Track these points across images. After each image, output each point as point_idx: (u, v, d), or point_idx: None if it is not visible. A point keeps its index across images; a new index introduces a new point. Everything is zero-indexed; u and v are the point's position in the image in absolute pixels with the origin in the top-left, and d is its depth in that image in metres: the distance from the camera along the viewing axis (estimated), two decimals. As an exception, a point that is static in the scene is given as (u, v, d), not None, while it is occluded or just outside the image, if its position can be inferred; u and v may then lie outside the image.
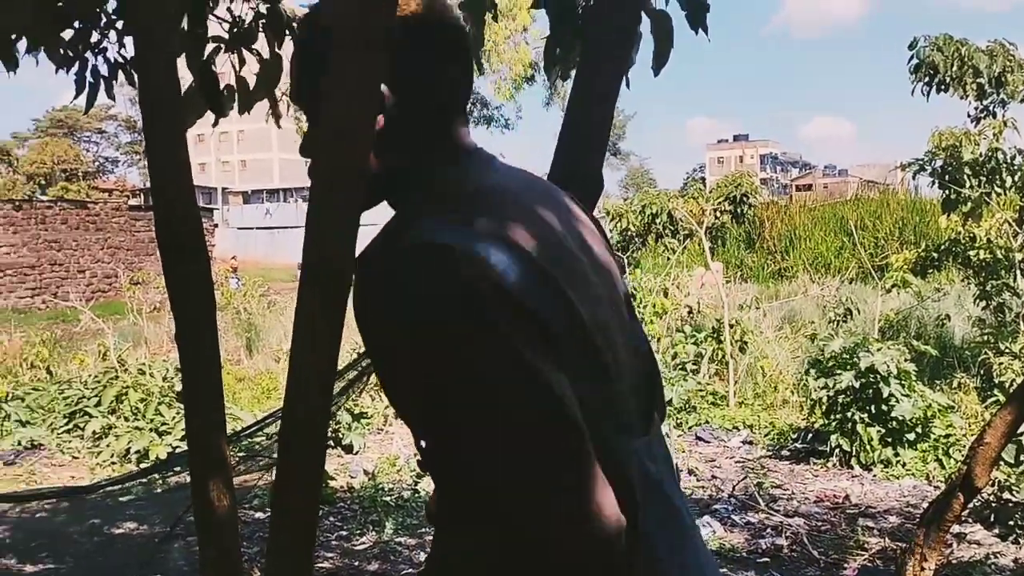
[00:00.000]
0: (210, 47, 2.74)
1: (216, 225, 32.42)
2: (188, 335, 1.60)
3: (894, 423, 6.41)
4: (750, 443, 7.42)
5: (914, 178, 10.67)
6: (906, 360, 6.67)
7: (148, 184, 54.06)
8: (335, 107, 0.75)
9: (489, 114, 32.04)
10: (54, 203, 25.17)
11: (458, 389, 1.05)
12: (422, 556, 4.85)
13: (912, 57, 9.81)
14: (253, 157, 69.16)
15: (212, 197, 47.65)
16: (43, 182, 47.98)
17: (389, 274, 1.03)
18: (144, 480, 5.76)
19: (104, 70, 2.99)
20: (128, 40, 2.98)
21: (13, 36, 2.84)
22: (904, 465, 6.35)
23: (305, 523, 0.88)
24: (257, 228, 40.71)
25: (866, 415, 6.44)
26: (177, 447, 6.97)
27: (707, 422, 7.95)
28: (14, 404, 8.17)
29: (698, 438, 7.57)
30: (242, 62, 2.94)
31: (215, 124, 2.85)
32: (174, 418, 7.35)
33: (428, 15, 1.18)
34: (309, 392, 0.84)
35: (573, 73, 2.23)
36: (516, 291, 1.06)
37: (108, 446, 7.18)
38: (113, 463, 7.01)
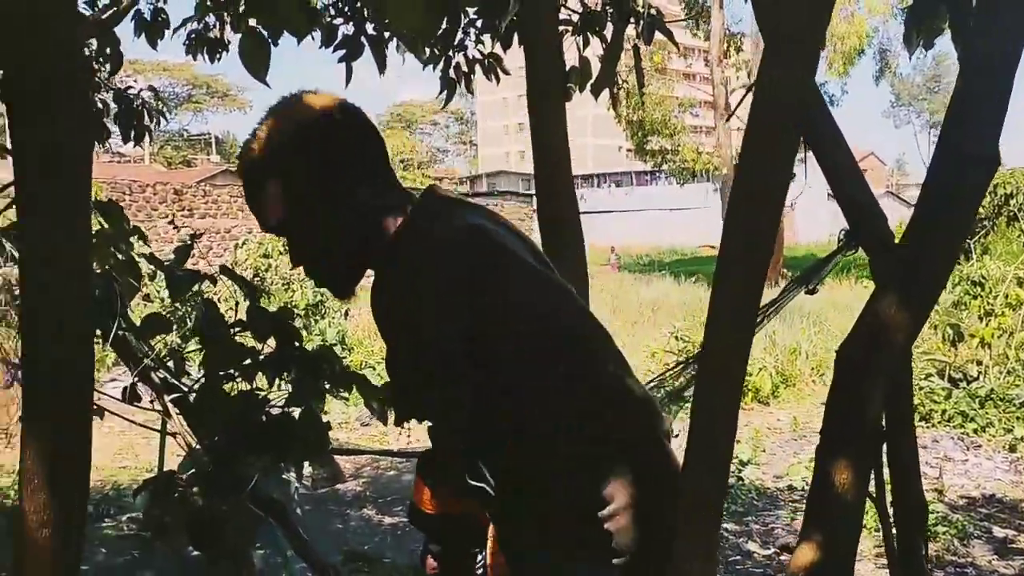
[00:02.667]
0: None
1: (535, 210, 33.77)
2: None
3: None
4: None
5: None
6: None
7: (474, 172, 57.18)
8: (774, 63, 0.75)
9: (811, 91, 30.40)
10: (395, 191, 27.57)
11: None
12: (750, 545, 4.77)
13: None
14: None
15: (531, 183, 49.76)
16: (385, 172, 52.71)
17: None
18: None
19: (464, 66, 3.23)
20: (485, 37, 3.20)
21: (387, 35, 3.15)
22: None
23: (721, 465, 0.90)
24: (572, 212, 41.79)
25: None
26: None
27: (1072, 428, 7.04)
28: (367, 372, 9.10)
29: (1060, 445, 6.73)
30: (586, 43, 3.03)
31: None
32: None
33: (337, 111, 1.41)
34: (729, 369, 0.85)
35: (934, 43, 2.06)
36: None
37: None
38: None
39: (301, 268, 1.53)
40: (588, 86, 2.83)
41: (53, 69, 0.89)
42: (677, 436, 4.86)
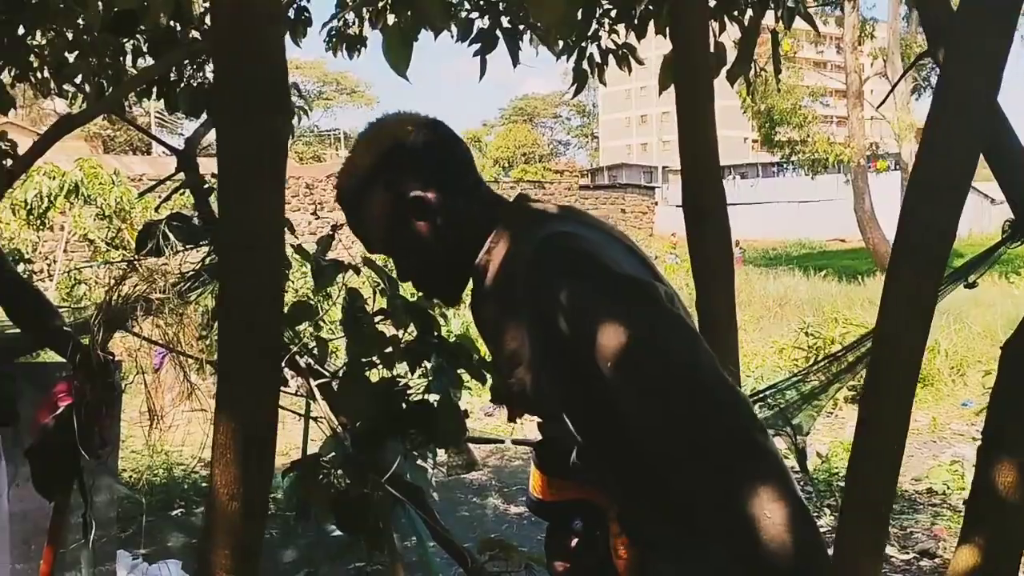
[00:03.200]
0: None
1: (656, 203, 33.50)
2: (704, 286, 1.69)
3: None
4: None
5: None
6: None
7: (595, 165, 57.02)
8: (955, 78, 0.71)
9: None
10: (516, 183, 27.88)
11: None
12: (888, 549, 4.60)
13: None
14: (692, 135, 69.74)
15: (653, 176, 49.30)
16: (506, 165, 53.38)
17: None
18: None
19: (597, 57, 3.22)
20: (619, 27, 3.18)
21: (521, 28, 3.18)
22: None
23: (892, 461, 0.87)
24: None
25: None
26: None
27: None
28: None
29: None
30: (722, 28, 2.97)
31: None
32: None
33: (417, 127, 1.43)
34: (899, 368, 0.82)
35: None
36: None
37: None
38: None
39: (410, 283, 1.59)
40: (723, 73, 2.78)
41: (263, 68, 0.94)
42: (807, 434, 4.70)
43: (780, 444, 3.76)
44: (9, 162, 3.07)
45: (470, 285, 1.54)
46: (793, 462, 4.16)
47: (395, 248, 1.51)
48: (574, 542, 1.51)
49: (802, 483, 5.71)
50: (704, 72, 1.60)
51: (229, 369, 1.03)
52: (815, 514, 5.13)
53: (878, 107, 17.59)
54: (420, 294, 1.76)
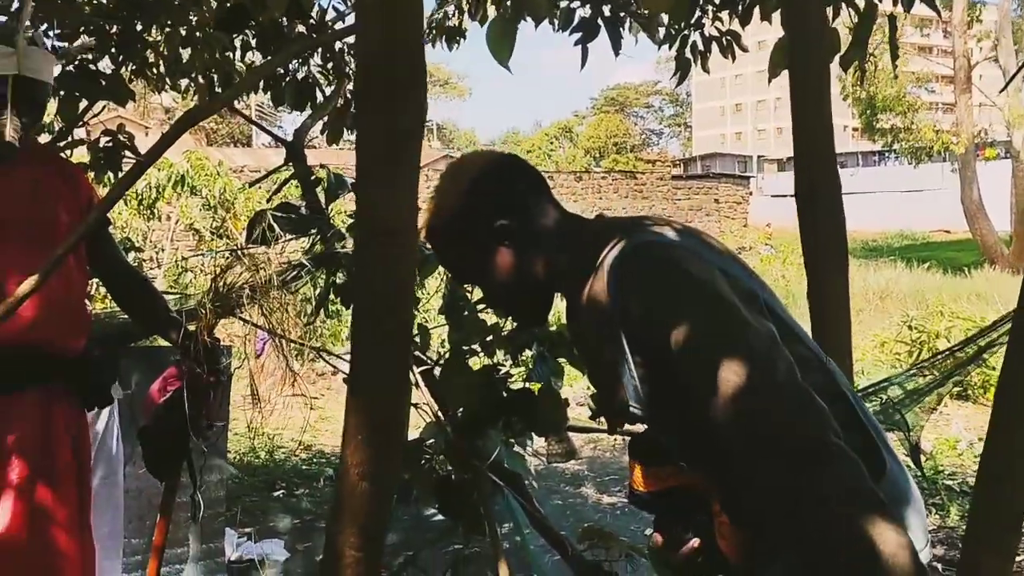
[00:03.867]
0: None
1: (751, 193, 32.82)
2: (816, 274, 1.66)
3: None
4: None
5: None
6: None
7: (687, 155, 56.25)
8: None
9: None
10: (607, 174, 27.71)
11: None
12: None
13: None
14: (789, 124, 68.24)
15: (748, 165, 48.36)
16: (597, 155, 53.13)
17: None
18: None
19: (700, 45, 3.17)
20: (723, 14, 3.13)
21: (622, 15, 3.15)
22: None
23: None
24: (791, 195, 40.10)
25: None
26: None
27: None
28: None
29: None
30: (835, 14, 2.90)
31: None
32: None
33: (494, 161, 1.53)
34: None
35: None
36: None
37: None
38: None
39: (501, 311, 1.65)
40: (837, 59, 2.70)
41: (404, 64, 0.97)
42: (912, 430, 4.55)
43: (891, 438, 3.64)
44: (128, 153, 3.20)
45: (565, 302, 1.58)
46: (904, 458, 4.04)
47: (484, 276, 1.57)
48: (684, 529, 1.52)
49: (916, 479, 5.53)
50: (819, 56, 1.57)
51: (364, 353, 1.06)
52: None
53: (1000, 92, 16.77)
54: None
